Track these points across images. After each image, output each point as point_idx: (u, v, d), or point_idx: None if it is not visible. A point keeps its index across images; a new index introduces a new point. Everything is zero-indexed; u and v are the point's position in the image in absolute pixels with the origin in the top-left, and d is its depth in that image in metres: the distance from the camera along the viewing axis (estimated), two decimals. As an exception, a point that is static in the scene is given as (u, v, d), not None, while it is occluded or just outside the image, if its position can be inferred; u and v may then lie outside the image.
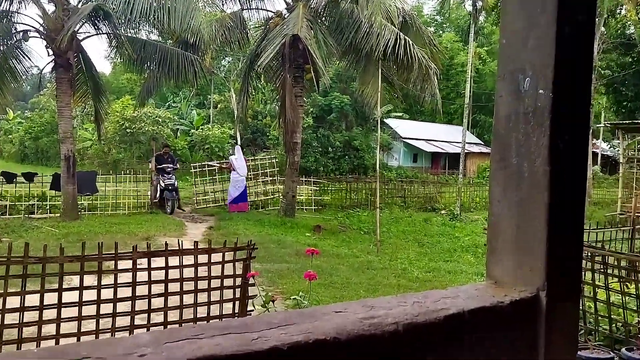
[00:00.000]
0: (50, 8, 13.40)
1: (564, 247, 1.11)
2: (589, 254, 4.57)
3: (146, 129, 27.71)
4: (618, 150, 24.79)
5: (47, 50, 13.21)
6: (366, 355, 0.85)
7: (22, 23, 13.86)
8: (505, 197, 1.14)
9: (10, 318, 3.46)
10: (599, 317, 4.55)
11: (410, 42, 13.89)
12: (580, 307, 4.50)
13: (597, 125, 30.36)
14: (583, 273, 4.47)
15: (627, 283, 4.51)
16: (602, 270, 4.53)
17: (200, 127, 32.09)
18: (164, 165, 14.81)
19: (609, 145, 41.98)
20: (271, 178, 19.08)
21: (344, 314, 0.89)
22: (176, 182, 15.09)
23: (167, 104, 40.03)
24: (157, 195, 14.80)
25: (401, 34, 13.85)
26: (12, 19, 13.55)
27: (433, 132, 41.90)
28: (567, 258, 1.12)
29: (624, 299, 4.36)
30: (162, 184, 14.58)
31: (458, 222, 17.14)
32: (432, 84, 14.85)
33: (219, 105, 37.50)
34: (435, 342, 0.96)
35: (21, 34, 13.42)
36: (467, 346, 1.00)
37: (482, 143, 43.21)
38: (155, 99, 37.33)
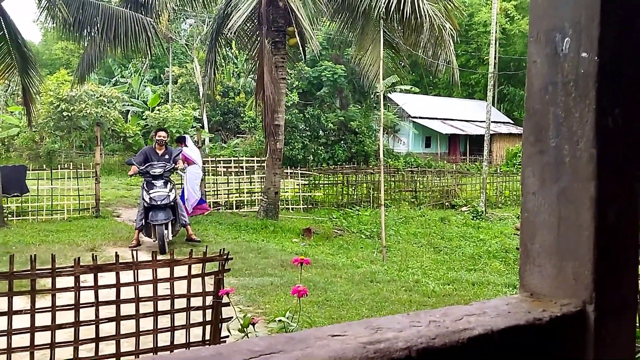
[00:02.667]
0: (-39, -41, 13.26)
1: (616, 250, 1.11)
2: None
3: (88, 111, 27.50)
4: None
5: (-41, 14, 13.09)
6: (372, 390, 0.86)
7: None
8: (542, 189, 1.14)
9: None
10: (660, 336, 4.60)
11: (420, -4, 13.87)
12: (637, 323, 4.54)
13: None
14: None
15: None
16: (663, 278, 4.58)
17: (157, 107, 31.95)
18: (147, 165, 11.17)
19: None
20: (247, 171, 19.06)
21: (343, 338, 0.90)
22: (174, 194, 11.24)
23: (115, 79, 39.91)
24: (141, 218, 11.01)
25: (408, -15, 13.83)
26: None
27: (450, 109, 42.03)
28: (621, 263, 1.13)
29: (689, 313, 4.41)
30: (146, 199, 10.85)
31: (483, 221, 17.21)
32: (448, 49, 14.85)
33: (179, 80, 37.41)
34: (458, 370, 0.96)
35: None
36: (497, 375, 1.01)
37: (512, 122, 43.44)
38: (98, 74, 37.20)
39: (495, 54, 21.97)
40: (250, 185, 18.20)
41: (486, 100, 22.23)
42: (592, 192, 1.06)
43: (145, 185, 10.87)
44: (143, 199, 10.84)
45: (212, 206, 16.53)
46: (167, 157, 11.40)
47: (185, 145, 14.38)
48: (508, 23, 43.66)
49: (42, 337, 3.86)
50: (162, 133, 11.88)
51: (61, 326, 3.72)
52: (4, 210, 13.49)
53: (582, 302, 1.08)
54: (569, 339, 1.08)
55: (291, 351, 0.83)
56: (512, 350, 1.02)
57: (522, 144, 1.23)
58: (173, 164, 11.29)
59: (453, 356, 0.94)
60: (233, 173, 19.46)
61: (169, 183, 11.02)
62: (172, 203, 10.97)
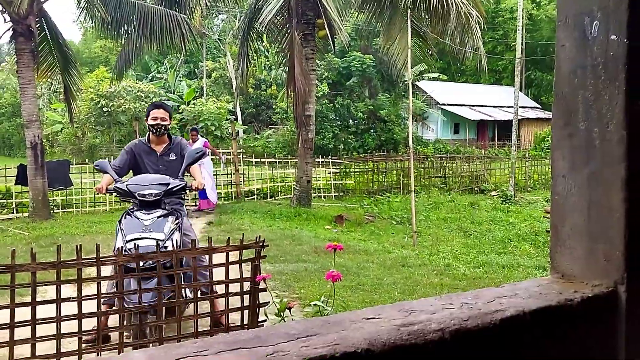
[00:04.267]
0: (4, -36, 13.47)
1: (647, 230, 1.09)
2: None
3: (127, 106, 27.94)
4: None
5: (3, 17, 13.32)
6: (406, 370, 0.86)
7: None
8: (572, 172, 1.13)
9: (-23, 340, 3.54)
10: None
11: (446, -15, 13.72)
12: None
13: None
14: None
15: None
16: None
17: (192, 101, 32.23)
18: (130, 181, 5.20)
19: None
20: (280, 161, 19.12)
21: (377, 320, 0.90)
22: (177, 237, 4.82)
23: (151, 75, 40.32)
24: (112, 287, 4.56)
25: (434, -25, 13.69)
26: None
27: (477, 95, 41.62)
28: (652, 244, 1.11)
29: None
30: (121, 248, 4.48)
31: (512, 205, 17.03)
32: (475, 36, 14.69)
33: (213, 74, 37.65)
34: (490, 351, 0.95)
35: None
36: (529, 354, 1.00)
37: (540, 107, 42.84)
38: (135, 70, 37.63)
39: (522, 40, 21.62)
40: (284, 174, 18.27)
41: (514, 86, 21.94)
42: (622, 174, 1.05)
43: (122, 220, 4.89)
44: (115, 248, 4.59)
45: (246, 195, 16.68)
46: (172, 158, 5.65)
47: (200, 137, 14.46)
48: (535, 9, 42.98)
49: (89, 324, 3.94)
50: (159, 111, 5.68)
51: (106, 313, 3.80)
52: (50, 203, 13.76)
53: (614, 283, 1.06)
54: (601, 319, 1.06)
55: (327, 334, 0.84)
56: (544, 330, 1.01)
57: (551, 127, 1.22)
58: (183, 182, 5.16)
59: (486, 337, 0.93)
60: (266, 163, 19.61)
61: (172, 217, 4.90)
62: (168, 262, 4.25)
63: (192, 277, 4.17)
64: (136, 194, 4.85)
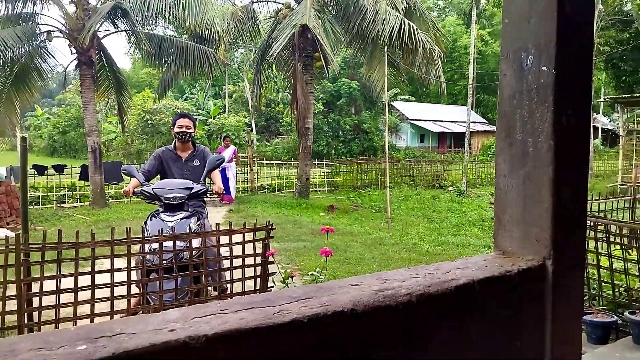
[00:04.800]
0: (71, 9, 13.41)
1: (568, 218, 1.09)
2: (592, 224, 4.53)
3: (166, 120, 27.80)
4: (618, 124, 24.42)
5: (70, 49, 13.27)
6: (382, 325, 0.86)
7: (45, 24, 13.97)
8: (511, 172, 1.13)
9: (48, 300, 3.53)
10: (603, 283, 4.53)
11: (415, 27, 13.70)
12: (585, 274, 4.49)
13: (597, 100, 29.90)
14: (587, 242, 4.44)
15: (629, 250, 4.47)
16: (605, 239, 4.50)
17: (217, 116, 32.12)
18: (158, 184, 4.59)
19: (609, 119, 41.37)
20: (285, 162, 19.08)
21: (360, 286, 0.90)
22: (198, 243, 3.99)
23: (185, 95, 40.11)
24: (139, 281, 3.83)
25: (405, 19, 13.66)
26: (36, 21, 13.60)
27: (439, 113, 41.61)
28: (572, 228, 1.11)
29: (626, 265, 4.33)
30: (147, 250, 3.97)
31: (465, 198, 17.07)
32: (437, 67, 14.69)
33: (233, 95, 37.50)
34: (447, 311, 0.95)
35: (45, 34, 13.47)
36: (477, 314, 1.00)
37: (486, 121, 42.84)
38: (173, 91, 37.44)
39: (473, 70, 21.61)
40: (288, 173, 18.25)
41: (466, 106, 21.95)
42: (550, 174, 1.05)
43: (147, 222, 4.37)
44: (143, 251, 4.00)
45: (258, 189, 16.70)
46: (196, 164, 5.01)
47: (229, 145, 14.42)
48: (483, 46, 42.93)
49: (136, 288, 3.93)
50: (184, 120, 5.06)
51: (150, 280, 3.79)
52: (106, 195, 13.71)
53: (543, 258, 1.07)
54: (533, 286, 1.07)
55: (321, 297, 0.84)
56: (488, 295, 1.01)
57: (495, 138, 1.22)
58: (205, 186, 4.61)
59: (444, 300, 0.93)
60: (275, 164, 19.59)
61: (194, 219, 4.39)
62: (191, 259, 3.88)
63: (213, 271, 3.97)
64: (162, 197, 4.34)
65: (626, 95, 20.44)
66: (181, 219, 4.26)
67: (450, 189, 19.04)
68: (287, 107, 31.26)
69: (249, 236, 4.15)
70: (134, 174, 4.71)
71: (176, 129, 5.02)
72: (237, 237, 4.07)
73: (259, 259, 4.17)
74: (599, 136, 37.99)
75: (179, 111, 28.50)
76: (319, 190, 17.50)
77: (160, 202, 4.38)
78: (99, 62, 13.99)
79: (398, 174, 20.03)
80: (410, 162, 22.53)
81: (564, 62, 1.04)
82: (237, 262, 4.08)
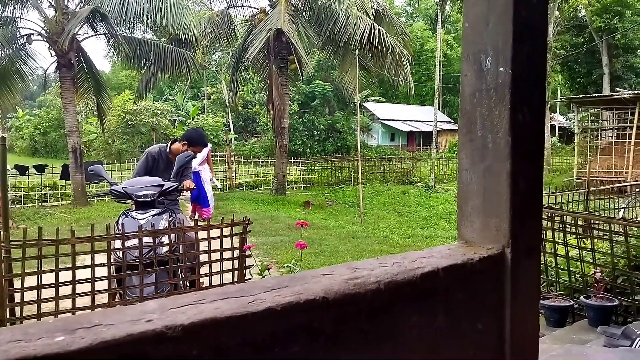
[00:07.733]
0: (50, 13, 13.10)
1: (525, 209, 1.12)
2: (549, 215, 4.64)
3: (146, 120, 27.38)
4: (573, 122, 25.02)
5: (50, 52, 12.94)
6: (351, 311, 0.86)
7: (25, 28, 13.58)
8: (472, 167, 1.14)
9: (30, 295, 3.45)
10: (559, 270, 4.64)
11: (384, 32, 13.79)
12: (542, 262, 4.60)
13: (554, 100, 30.56)
14: (544, 231, 4.54)
15: (584, 239, 4.59)
16: (561, 229, 4.61)
17: (196, 117, 31.76)
18: (127, 183, 4.45)
19: (565, 118, 42.33)
20: (262, 160, 18.98)
21: (331, 276, 0.90)
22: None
23: (164, 97, 39.52)
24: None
25: (375, 24, 13.74)
26: (16, 24, 13.24)
27: (408, 113, 41.95)
28: (529, 218, 1.13)
29: (581, 253, 4.45)
30: (118, 251, 3.70)
31: (433, 193, 17.26)
32: (405, 70, 14.82)
33: (212, 97, 37.12)
34: (414, 297, 0.97)
35: (25, 37, 13.13)
36: (442, 299, 1.02)
37: (452, 121, 43.34)
38: (153, 93, 36.77)
39: (439, 73, 21.86)
40: (265, 171, 18.15)
41: (433, 106, 22.20)
42: (508, 168, 1.07)
43: (119, 221, 4.18)
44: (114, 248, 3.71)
45: (237, 187, 16.55)
46: (161, 167, 4.93)
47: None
48: (449, 50, 43.42)
49: (114, 283, 3.86)
50: (205, 150, 4.89)
51: (130, 274, 3.72)
52: (87, 194, 13.43)
53: (502, 247, 1.08)
54: (493, 273, 1.08)
55: (294, 286, 0.84)
56: (452, 282, 1.03)
57: (458, 135, 1.23)
58: (176, 182, 4.41)
59: (410, 286, 0.94)
60: (252, 163, 19.47)
61: (166, 215, 4.18)
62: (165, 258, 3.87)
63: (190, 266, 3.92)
64: (133, 196, 4.12)
65: (580, 96, 21.01)
66: (152, 215, 4.05)
67: (419, 184, 19.23)
68: (263, 107, 31.10)
69: (227, 231, 4.12)
70: (101, 174, 4.50)
71: (192, 150, 4.82)
72: (215, 232, 4.04)
73: (236, 253, 4.14)
74: (556, 134, 38.86)
75: (159, 112, 28.09)
76: (295, 187, 17.47)
77: (131, 200, 4.18)
78: (79, 64, 13.67)
79: (370, 171, 20.12)
80: (381, 160, 22.67)
81: (520, 63, 1.06)
82: (216, 255, 4.05)
